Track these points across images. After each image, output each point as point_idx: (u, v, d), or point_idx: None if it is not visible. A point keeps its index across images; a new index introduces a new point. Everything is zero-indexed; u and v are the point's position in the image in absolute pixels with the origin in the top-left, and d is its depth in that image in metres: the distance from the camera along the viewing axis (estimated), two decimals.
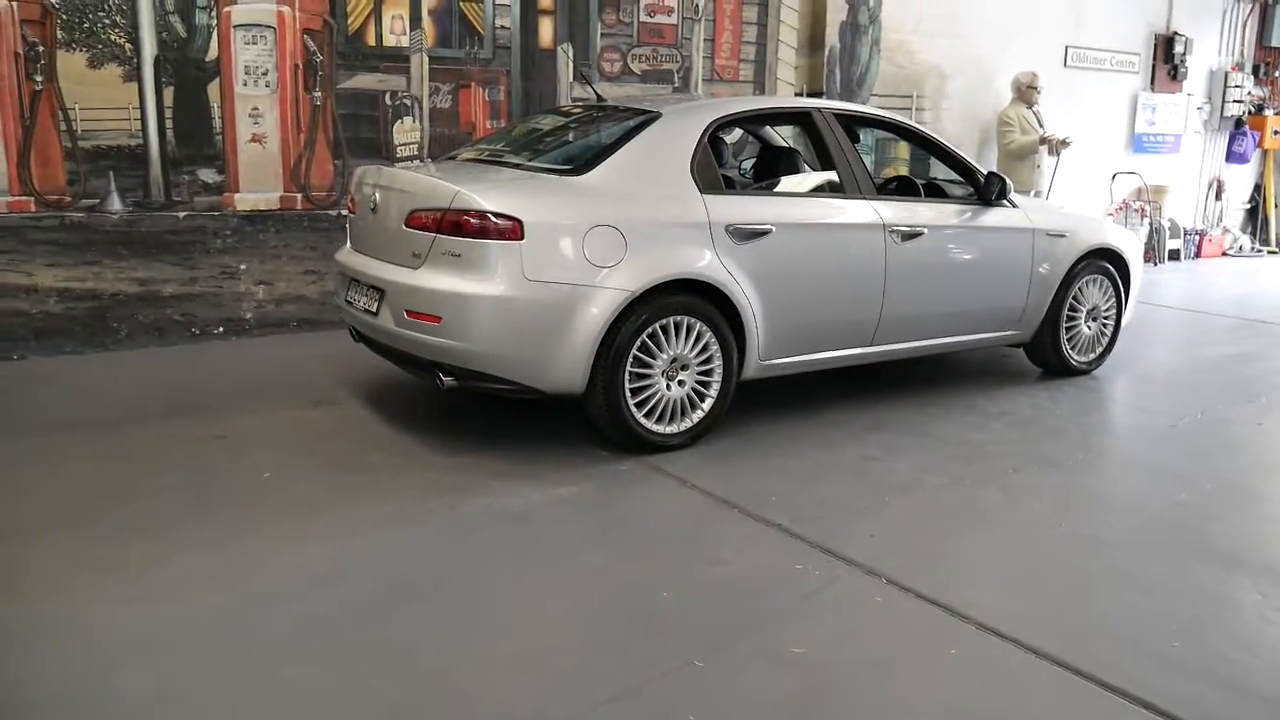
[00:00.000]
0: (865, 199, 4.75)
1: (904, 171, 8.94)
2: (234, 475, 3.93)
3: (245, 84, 6.06)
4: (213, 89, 5.99)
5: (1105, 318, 5.77)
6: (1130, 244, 5.85)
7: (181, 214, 5.99)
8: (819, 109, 4.82)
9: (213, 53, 5.95)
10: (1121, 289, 5.78)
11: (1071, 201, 9.88)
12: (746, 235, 4.32)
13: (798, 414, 4.82)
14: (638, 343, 4.09)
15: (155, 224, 5.92)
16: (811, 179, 4.87)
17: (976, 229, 5.12)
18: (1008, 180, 5.13)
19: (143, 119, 5.80)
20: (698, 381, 4.30)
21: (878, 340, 4.87)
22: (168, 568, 3.16)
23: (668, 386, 4.23)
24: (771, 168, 5.09)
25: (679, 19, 7.53)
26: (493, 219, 3.87)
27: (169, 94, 5.85)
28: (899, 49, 8.74)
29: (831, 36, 8.32)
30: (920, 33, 8.83)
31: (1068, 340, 5.62)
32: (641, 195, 4.18)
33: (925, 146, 5.32)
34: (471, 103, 6.78)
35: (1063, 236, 5.45)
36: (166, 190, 5.93)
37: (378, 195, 4.38)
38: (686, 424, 4.30)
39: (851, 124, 5.06)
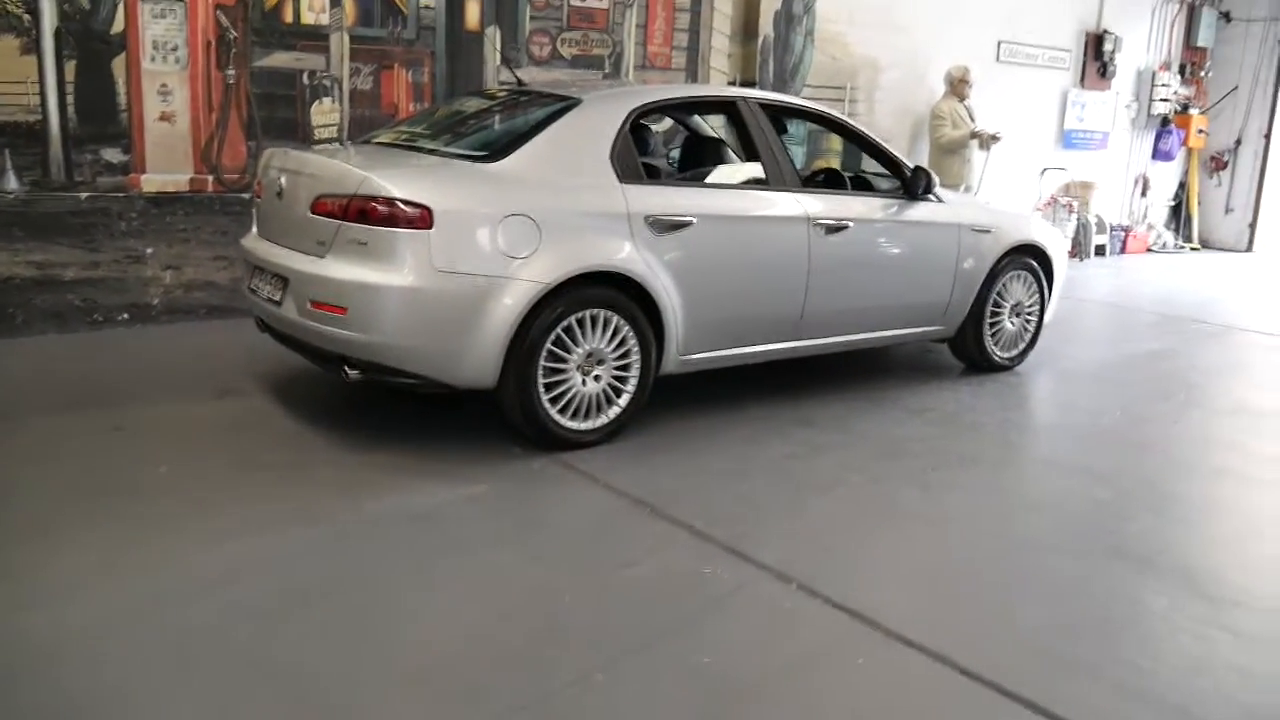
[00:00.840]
0: (790, 191, 4.67)
1: (836, 164, 8.91)
2: (129, 471, 3.74)
3: (153, 59, 5.80)
4: (118, 64, 5.72)
5: (1029, 314, 5.78)
6: (1054, 240, 5.85)
7: (83, 195, 5.72)
8: (744, 98, 4.73)
9: (118, 25, 5.67)
10: (1045, 285, 5.79)
11: (1001, 196, 9.94)
12: (667, 227, 4.21)
13: (722, 409, 4.73)
14: (552, 336, 3.97)
15: (55, 204, 5.64)
16: (735, 170, 4.78)
17: (902, 223, 5.08)
18: (934, 175, 5.09)
19: (41, 93, 5.51)
20: (615, 377, 4.19)
21: (801, 335, 4.80)
22: (53, 573, 2.97)
23: (583, 382, 4.11)
24: (696, 158, 4.99)
25: (610, 3, 7.38)
26: (401, 206, 3.72)
27: (70, 68, 5.57)
28: (833, 40, 8.69)
29: (766, 26, 8.24)
30: (855, 24, 8.79)
31: (991, 336, 5.61)
32: (558, 184, 4.05)
33: (851, 139, 5.26)
34: (394, 84, 6.58)
35: (988, 232, 5.43)
36: (67, 169, 5.65)
37: (284, 179, 4.20)
38: (603, 420, 4.19)
39: (778, 114, 4.98)
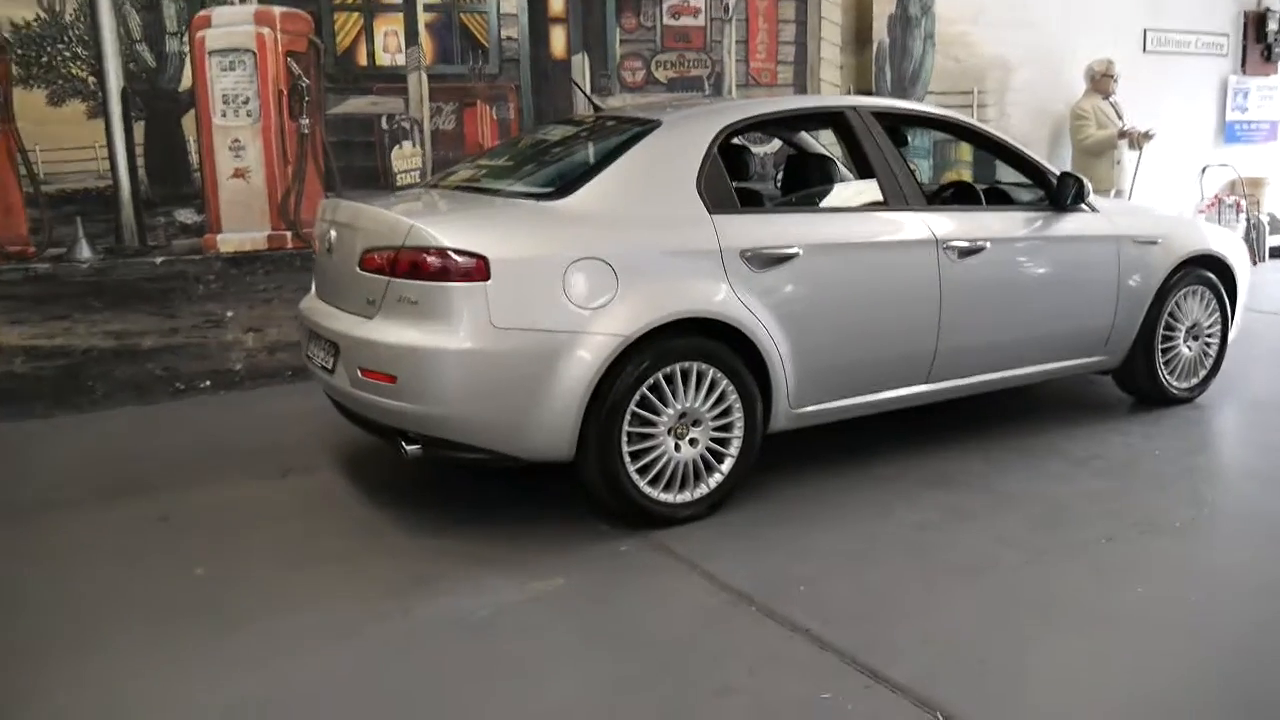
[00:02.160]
0: (913, 210, 3.99)
1: (967, 176, 8.11)
2: (161, 573, 3.32)
3: (224, 114, 5.52)
4: (188, 121, 5.46)
5: (1208, 336, 4.90)
6: (1234, 247, 4.98)
7: (159, 259, 5.46)
8: (854, 108, 4.08)
9: (186, 82, 5.42)
10: (1226, 301, 4.91)
11: (1157, 200, 8.93)
12: (767, 261, 3.60)
13: (840, 470, 4.06)
14: (637, 396, 3.39)
15: (129, 271, 5.40)
16: (846, 191, 4.13)
17: (1050, 239, 4.33)
18: (1085, 180, 4.32)
19: (111, 158, 5.29)
20: (714, 439, 3.58)
21: (935, 377, 4.09)
22: (39, 711, 2.53)
23: (676, 447, 3.51)
24: (800, 180, 4.35)
25: (707, 20, 6.83)
26: (452, 256, 3.21)
27: (139, 129, 5.33)
28: (956, 41, 7.92)
29: (879, 31, 7.54)
30: (980, 22, 8.00)
31: (1164, 364, 4.77)
32: (635, 220, 3.49)
33: (985, 146, 4.54)
34: (478, 122, 6.17)
35: (1154, 243, 4.62)
36: (140, 234, 5.41)
37: (333, 233, 3.77)
38: (701, 490, 3.58)
39: (896, 124, 4.32)
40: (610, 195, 3.49)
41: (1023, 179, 4.63)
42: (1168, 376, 4.79)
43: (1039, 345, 4.38)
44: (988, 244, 4.08)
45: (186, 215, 5.51)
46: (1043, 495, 3.77)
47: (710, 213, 3.56)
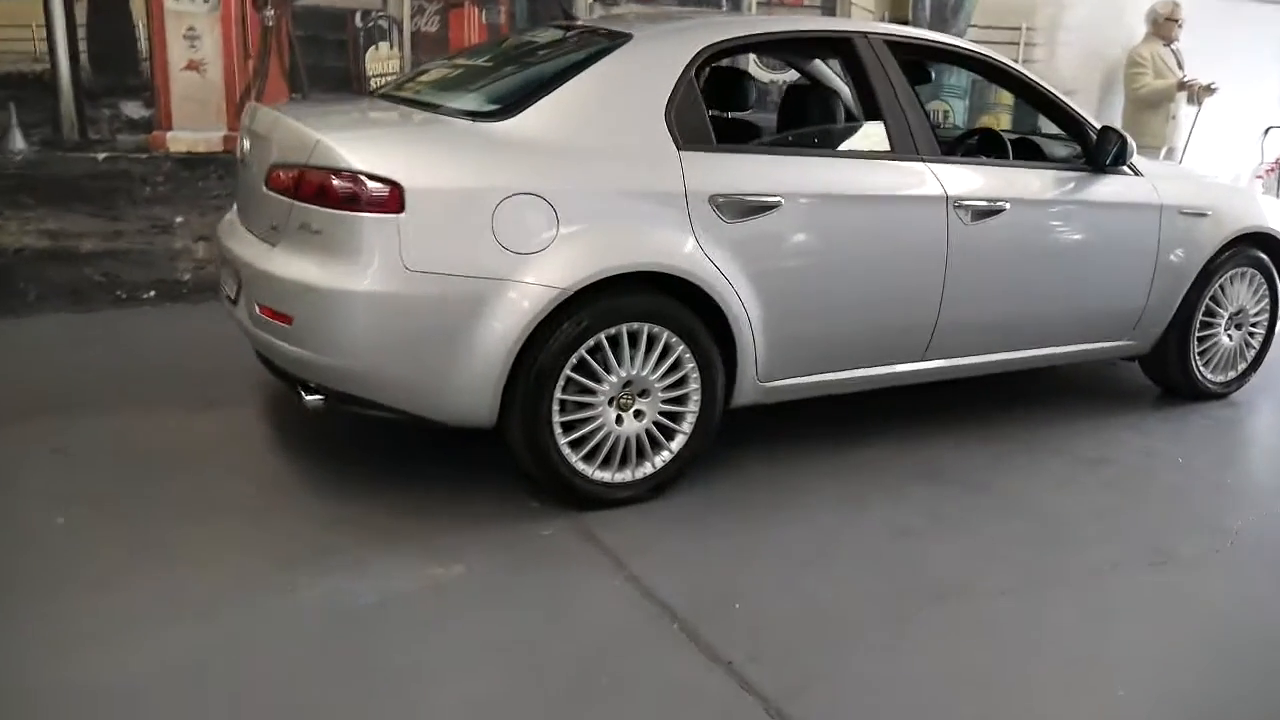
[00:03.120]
0: (923, 161, 3.43)
1: (1005, 122, 7.44)
2: (25, 521, 2.91)
3: None
4: (137, 5, 4.92)
5: (1253, 325, 4.33)
6: None
7: (101, 155, 4.98)
8: (864, 34, 3.48)
9: None
10: (1279, 286, 4.33)
11: (1212, 161, 8.23)
12: (742, 210, 3.07)
13: (816, 450, 3.57)
14: (573, 359, 2.91)
15: (68, 167, 4.92)
16: (847, 133, 3.57)
17: (1082, 204, 3.76)
18: (1128, 139, 3.73)
19: (49, 40, 4.78)
20: (664, 413, 3.10)
21: (933, 354, 3.58)
22: None
23: (619, 419, 3.04)
24: (796, 116, 3.78)
25: None
26: (362, 181, 2.71)
27: (82, 9, 4.81)
28: None
29: None
30: None
31: (1199, 354, 4.21)
32: (586, 151, 2.96)
33: (1015, 89, 3.96)
34: (464, 25, 5.59)
35: (1203, 215, 4.03)
36: (81, 127, 4.92)
37: (248, 144, 3.27)
38: (645, 469, 3.11)
39: (914, 57, 3.73)
40: (559, 120, 2.96)
41: (1060, 132, 4.04)
42: (1202, 368, 4.24)
43: (1058, 325, 3.84)
44: (1007, 205, 3.52)
45: (133, 109, 5.01)
46: (1042, 504, 3.27)
47: (679, 148, 3.03)
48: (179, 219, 5.16)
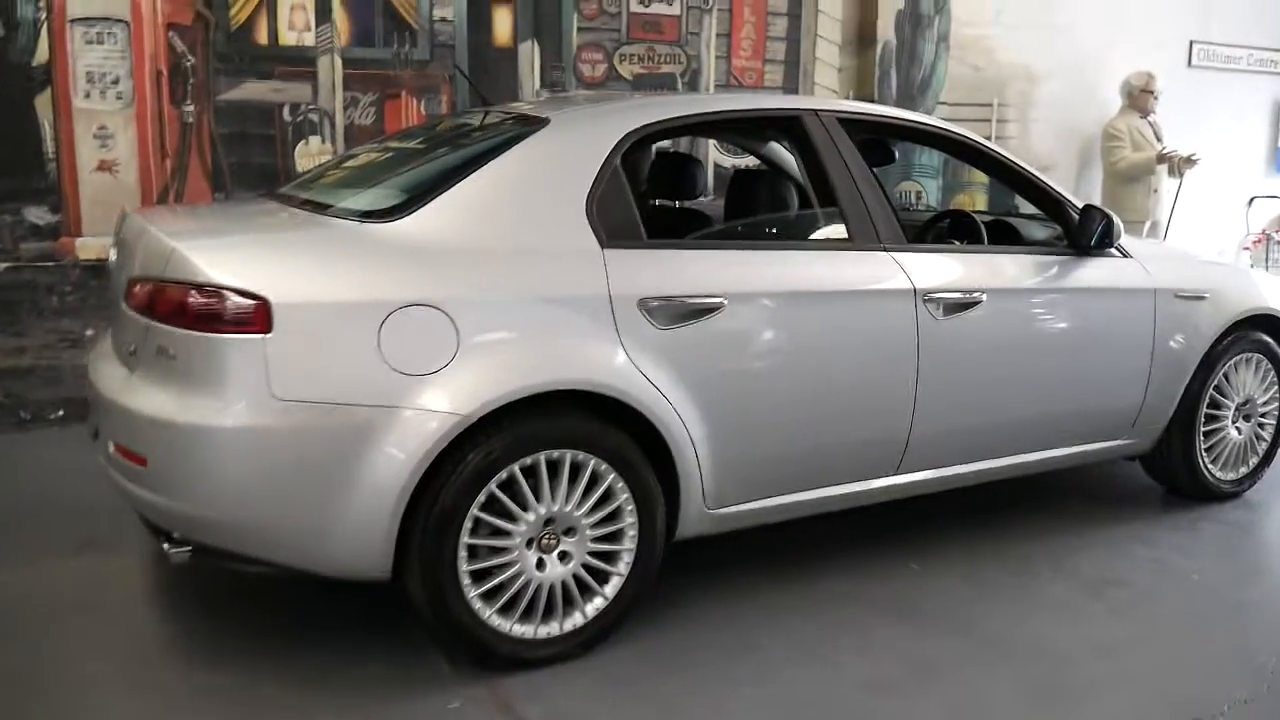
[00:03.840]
0: (886, 250, 3.04)
1: (982, 202, 7.14)
2: None
3: (88, 95, 4.64)
4: (43, 102, 4.57)
5: (1263, 416, 3.92)
6: None
7: (2, 265, 4.58)
8: (815, 112, 3.12)
9: (42, 55, 4.54)
10: None
11: (1197, 235, 7.93)
12: (679, 314, 2.67)
13: (774, 581, 3.12)
14: (481, 496, 2.47)
15: None
16: (799, 222, 3.20)
17: (1067, 291, 3.37)
18: (1114, 218, 3.36)
19: None
20: (594, 553, 2.65)
21: (908, 467, 3.15)
22: None
23: (539, 563, 2.59)
24: (743, 206, 3.41)
25: (683, 8, 5.90)
26: (224, 296, 2.30)
27: None
28: (974, 46, 6.95)
29: (885, 30, 6.58)
30: (1002, 25, 7.03)
31: (1206, 450, 3.79)
32: (492, 252, 2.56)
33: (985, 166, 3.60)
34: (401, 115, 5.26)
35: (1201, 298, 3.65)
36: None
37: (113, 254, 2.88)
38: (575, 621, 2.64)
39: (870, 135, 3.37)
40: (460, 219, 2.56)
41: (1038, 212, 3.68)
42: (1210, 466, 3.81)
43: (1047, 427, 3.42)
44: (984, 296, 3.13)
45: (38, 214, 4.63)
46: (1038, 642, 2.80)
47: (603, 246, 2.63)
48: (89, 331, 4.74)
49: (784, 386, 2.84)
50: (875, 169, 3.28)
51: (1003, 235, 3.76)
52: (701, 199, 3.80)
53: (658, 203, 3.91)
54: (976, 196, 7.11)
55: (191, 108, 4.82)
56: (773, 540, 3.21)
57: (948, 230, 3.75)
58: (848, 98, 6.53)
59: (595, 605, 2.66)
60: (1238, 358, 3.79)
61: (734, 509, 2.87)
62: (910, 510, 3.38)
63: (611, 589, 2.68)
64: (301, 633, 2.77)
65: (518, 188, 2.64)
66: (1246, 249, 8.59)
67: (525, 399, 2.46)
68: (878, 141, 3.73)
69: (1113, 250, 3.48)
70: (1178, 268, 3.72)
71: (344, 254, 2.48)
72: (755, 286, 2.80)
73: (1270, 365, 3.89)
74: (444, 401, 2.38)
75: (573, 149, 2.73)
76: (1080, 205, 3.42)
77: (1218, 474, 3.84)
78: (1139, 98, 7.21)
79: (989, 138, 7.15)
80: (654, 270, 2.69)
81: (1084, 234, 3.37)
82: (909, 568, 3.25)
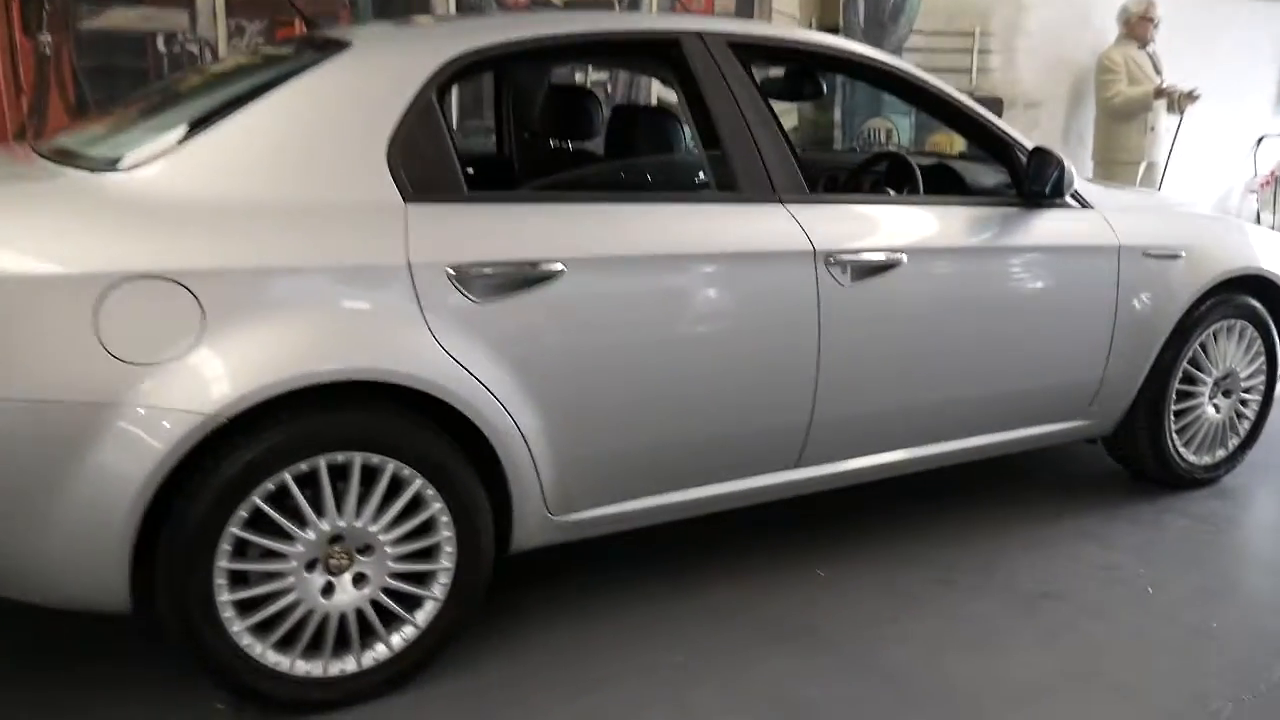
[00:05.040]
0: (781, 202, 2.51)
1: (962, 144, 6.54)
2: None
3: None
4: None
5: (1246, 392, 3.40)
6: None
7: None
8: (699, 34, 2.56)
9: None
10: (1276, 343, 3.41)
11: (1197, 177, 7.33)
12: (504, 285, 2.16)
13: (646, 591, 2.65)
14: (241, 512, 1.98)
15: None
16: (669, 169, 2.67)
17: (1010, 250, 2.84)
18: (1067, 164, 2.81)
19: None
20: (399, 574, 2.17)
21: (810, 459, 2.66)
22: None
23: (327, 589, 2.11)
24: (619, 147, 2.87)
25: None
26: None
27: None
28: None
29: None
30: None
31: (1177, 432, 3.28)
32: (254, 210, 2.04)
33: (917, 99, 3.03)
34: None
35: (1176, 256, 3.12)
36: None
37: None
38: (377, 655, 2.18)
39: (772, 62, 2.82)
40: (216, 167, 2.04)
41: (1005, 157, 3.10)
42: (1181, 449, 3.31)
43: (983, 410, 2.92)
44: (904, 257, 2.61)
45: None
46: (947, 680, 2.32)
47: (406, 199, 2.12)
48: None
49: (643, 370, 2.34)
50: (803, 102, 2.75)
51: (950, 183, 3.21)
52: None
53: (553, 145, 3.39)
54: (955, 136, 6.52)
55: (49, 38, 4.27)
56: (657, 539, 2.72)
57: (884, 177, 3.21)
58: (810, 26, 5.93)
59: (405, 635, 2.20)
60: (1218, 325, 3.26)
61: (588, 514, 2.39)
62: (830, 503, 2.88)
63: (425, 615, 2.21)
64: (51, 668, 2.31)
65: (296, 128, 2.11)
66: (1253, 192, 7.98)
67: (297, 392, 1.97)
68: (804, 72, 3.19)
69: (1068, 200, 2.93)
70: (1149, 220, 3.18)
71: (54, 213, 1.97)
72: (606, 248, 2.28)
73: (1257, 334, 3.36)
74: (180, 397, 1.89)
75: (373, 80, 2.19)
76: (1030, 147, 2.87)
77: (1190, 458, 3.33)
78: (1137, 26, 6.57)
79: (969, 70, 6.53)
80: (473, 230, 2.18)
81: (1032, 181, 2.83)
82: (816, 574, 2.76)
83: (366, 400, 2.07)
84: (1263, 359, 3.40)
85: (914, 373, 2.72)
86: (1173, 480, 3.34)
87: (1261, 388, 3.43)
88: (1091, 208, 3.01)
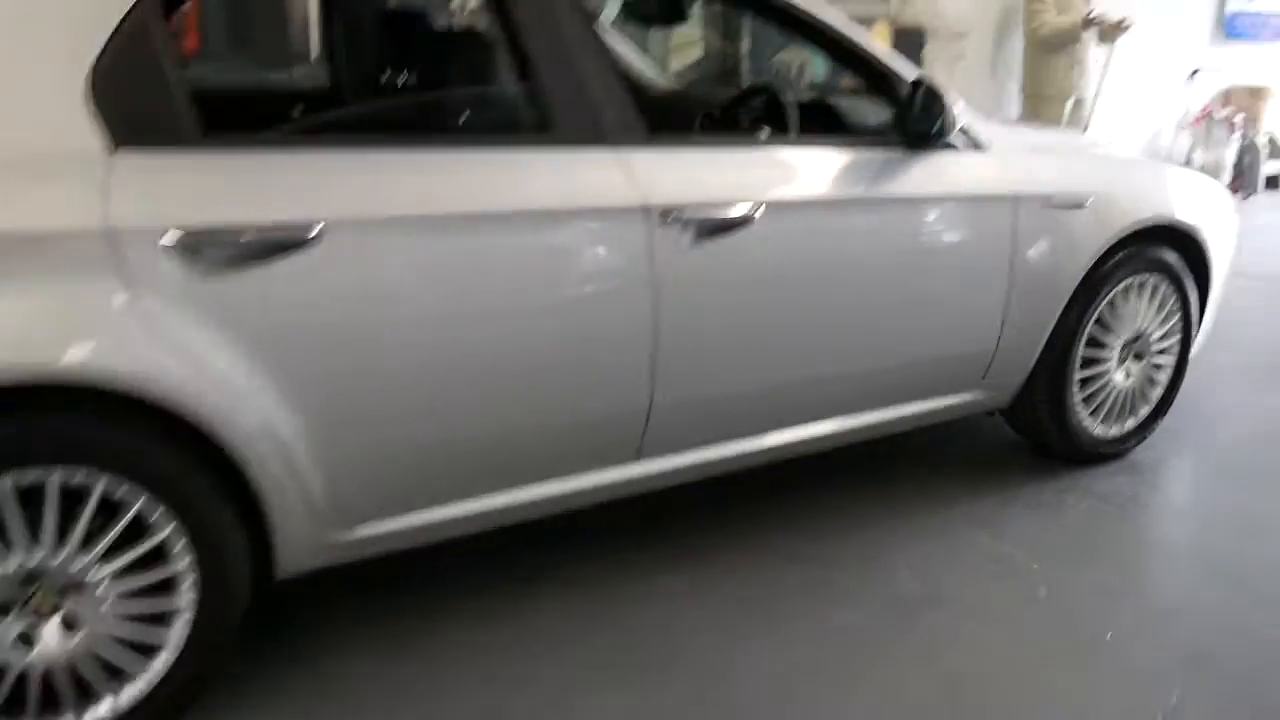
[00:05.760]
0: (609, 146, 2.10)
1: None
2: None
3: None
4: None
5: (1158, 353, 3.08)
6: (1212, 210, 3.13)
7: None
8: None
9: None
10: (1192, 300, 3.08)
11: (1127, 115, 7.01)
12: (239, 255, 1.73)
13: (458, 612, 2.27)
14: None
15: None
16: (473, 103, 2.24)
17: (885, 201, 2.46)
18: (946, 100, 2.41)
19: None
20: (127, 615, 1.77)
21: (654, 449, 2.28)
22: None
23: (24, 639, 1.71)
24: (426, 80, 2.44)
25: None
26: None
27: None
28: None
29: None
30: None
31: (1082, 401, 2.96)
32: None
33: (774, 19, 2.60)
34: None
35: (1080, 206, 2.75)
36: None
37: None
38: (99, 715, 1.78)
39: None
40: None
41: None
42: (1084, 420, 2.98)
43: (856, 385, 2.55)
44: (756, 213, 2.21)
45: None
46: (791, 712, 1.98)
47: (114, 147, 1.67)
48: None
49: (428, 352, 1.93)
50: (664, 27, 2.33)
51: (833, 123, 2.82)
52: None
53: (383, 80, 2.93)
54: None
55: None
56: (468, 552, 2.34)
57: (760, 116, 2.80)
58: None
59: (134, 691, 1.80)
60: (1129, 281, 2.92)
61: (376, 528, 2.00)
62: (687, 497, 2.52)
63: (160, 665, 1.81)
64: None
65: None
66: (1185, 128, 7.69)
67: None
68: None
69: (954, 141, 2.55)
70: (1051, 164, 2.81)
71: None
72: (375, 208, 1.86)
73: (1173, 289, 3.02)
74: None
75: None
76: (910, 80, 2.47)
77: (1097, 430, 3.01)
78: None
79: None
80: (203, 185, 1.74)
81: (914, 121, 2.44)
82: (663, 588, 2.40)
83: (64, 403, 1.65)
84: (1178, 318, 3.07)
85: (774, 348, 2.34)
86: (1078, 455, 3.02)
87: (1176, 349, 3.11)
88: (985, 150, 2.63)
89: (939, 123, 2.39)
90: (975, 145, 2.61)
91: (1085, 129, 6.35)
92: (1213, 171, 7.58)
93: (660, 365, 2.17)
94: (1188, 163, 7.66)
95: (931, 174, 2.50)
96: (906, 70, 2.52)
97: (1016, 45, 6.48)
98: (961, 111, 2.48)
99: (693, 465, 2.36)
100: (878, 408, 2.62)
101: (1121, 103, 6.96)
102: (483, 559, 2.41)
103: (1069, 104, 6.26)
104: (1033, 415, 2.94)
